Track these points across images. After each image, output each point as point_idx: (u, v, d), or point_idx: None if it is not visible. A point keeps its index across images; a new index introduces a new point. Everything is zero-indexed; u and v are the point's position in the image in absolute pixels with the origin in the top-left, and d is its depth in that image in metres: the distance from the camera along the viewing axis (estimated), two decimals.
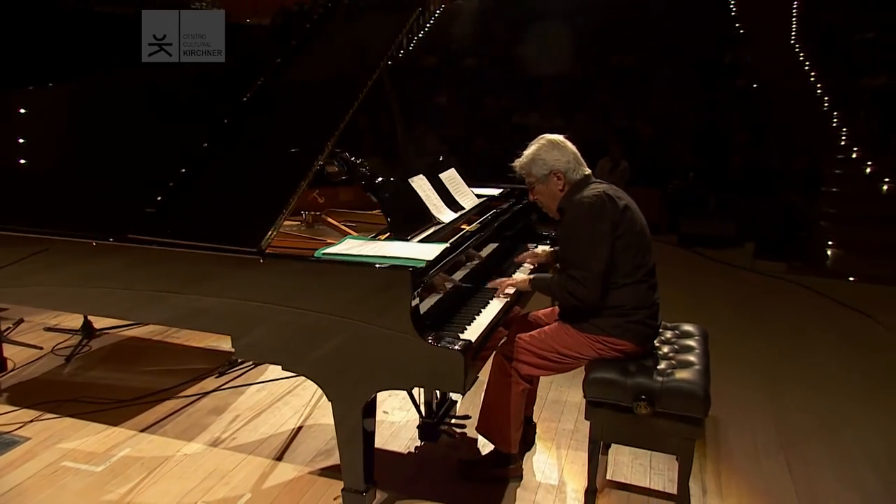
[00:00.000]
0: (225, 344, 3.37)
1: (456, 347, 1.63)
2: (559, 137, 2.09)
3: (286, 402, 2.75)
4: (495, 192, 2.76)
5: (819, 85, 11.80)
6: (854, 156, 9.19)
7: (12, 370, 3.01)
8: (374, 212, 2.58)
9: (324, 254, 1.76)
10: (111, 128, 2.28)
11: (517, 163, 2.12)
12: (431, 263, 1.70)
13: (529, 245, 2.54)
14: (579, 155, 2.08)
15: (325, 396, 2.65)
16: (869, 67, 10.71)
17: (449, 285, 1.92)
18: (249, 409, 2.69)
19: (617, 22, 14.86)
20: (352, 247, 1.82)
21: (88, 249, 1.94)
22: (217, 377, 2.96)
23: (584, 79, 11.78)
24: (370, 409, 1.83)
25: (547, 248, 2.51)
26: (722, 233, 5.71)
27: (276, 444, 2.41)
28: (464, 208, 2.42)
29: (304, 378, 2.86)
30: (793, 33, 14.52)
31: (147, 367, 3.09)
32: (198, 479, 2.20)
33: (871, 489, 2.17)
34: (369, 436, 1.85)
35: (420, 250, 1.78)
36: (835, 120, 10.45)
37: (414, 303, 1.62)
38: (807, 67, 12.58)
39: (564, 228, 1.98)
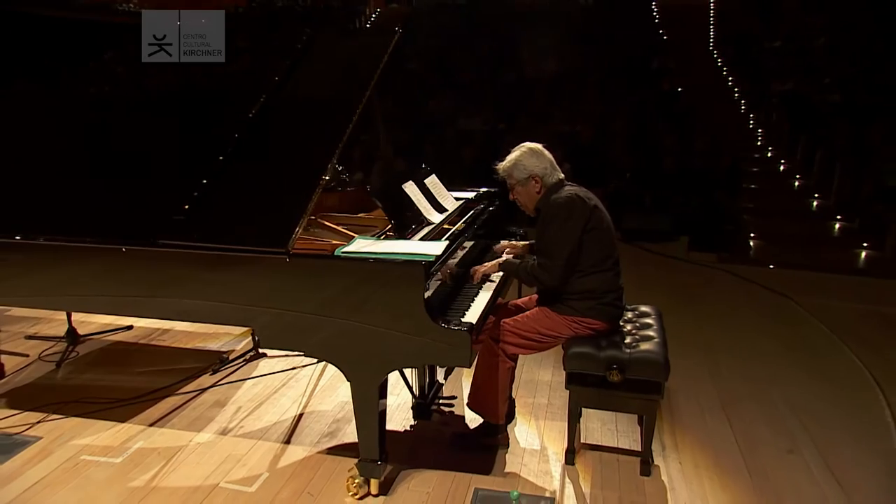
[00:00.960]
0: (212, 344, 3.55)
1: (463, 329, 1.93)
2: (538, 146, 2.40)
3: (283, 393, 2.96)
4: (470, 194, 3.06)
5: (736, 89, 12.67)
6: (769, 155, 10.01)
7: (2, 378, 3.09)
8: (359, 215, 2.85)
9: (343, 252, 2.02)
10: (134, 139, 2.44)
11: (500, 166, 2.42)
12: (438, 257, 1.99)
13: (503, 241, 2.85)
14: (554, 161, 2.39)
15: (319, 387, 2.92)
16: (778, 73, 11.62)
17: (449, 277, 2.21)
18: (250, 400, 2.89)
19: (550, 29, 15.40)
20: (365, 245, 2.08)
21: (118, 255, 2.12)
22: (212, 374, 3.13)
23: (520, 84, 12.20)
24: (384, 389, 2.10)
25: (518, 242, 2.83)
26: (659, 228, 6.22)
27: (282, 430, 2.63)
28: (447, 210, 2.72)
29: (297, 370, 3.13)
30: (710, 40, 15.51)
31: (140, 368, 3.22)
32: (215, 464, 2.39)
33: (796, 434, 2.60)
34: (382, 412, 2.11)
35: (426, 247, 2.07)
36: (751, 122, 11.31)
37: (427, 292, 1.91)
38: (725, 73, 13.48)
39: (541, 223, 2.30)
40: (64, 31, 14.90)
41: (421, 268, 1.89)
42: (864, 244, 6.70)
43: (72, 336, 3.44)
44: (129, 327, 3.69)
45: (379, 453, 2.12)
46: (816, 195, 8.19)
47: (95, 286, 2.23)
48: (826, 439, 2.57)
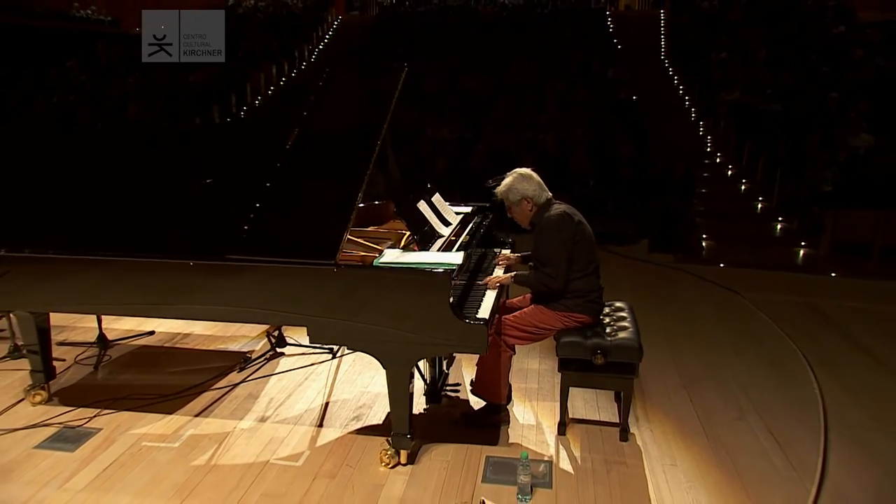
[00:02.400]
0: (232, 345, 3.92)
1: (480, 323, 2.39)
2: (527, 171, 2.87)
3: (307, 385, 3.36)
4: (467, 209, 3.53)
5: (686, 98, 13.41)
6: (718, 160, 10.74)
7: (53, 378, 3.38)
8: (369, 228, 3.28)
9: (380, 262, 2.45)
10: (194, 169, 2.81)
11: (497, 191, 2.89)
12: (459, 266, 2.45)
13: (503, 253, 3.31)
14: (542, 183, 2.86)
15: (338, 379, 3.33)
16: (724, 83, 12.37)
17: (462, 281, 2.66)
18: (279, 392, 3.28)
19: (511, 38, 15.91)
20: (397, 257, 2.52)
21: (187, 268, 2.51)
22: (239, 371, 3.51)
23: (484, 93, 12.58)
24: (412, 375, 2.54)
25: (512, 253, 3.29)
26: (622, 231, 6.80)
27: (313, 416, 3.04)
28: (451, 223, 3.17)
29: (315, 366, 3.53)
30: (662, 51, 16.30)
31: (171, 368, 3.57)
32: (262, 445, 2.79)
33: (743, 405, 3.15)
34: (411, 394, 2.56)
35: (447, 257, 2.53)
36: (701, 129, 12.04)
37: (451, 296, 2.36)
38: (676, 81, 14.23)
39: (538, 238, 2.77)
40: (21, 38, 14.73)
41: (446, 275, 2.34)
42: (803, 243, 7.42)
43: (102, 341, 3.76)
44: (152, 332, 4.03)
45: (408, 428, 2.56)
46: (760, 198, 8.93)
47: (170, 295, 2.60)
48: (767, 408, 3.12)
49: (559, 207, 2.80)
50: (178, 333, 4.06)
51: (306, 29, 18.07)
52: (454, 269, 2.40)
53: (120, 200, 2.78)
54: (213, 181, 2.70)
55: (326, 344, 2.82)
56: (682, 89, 13.65)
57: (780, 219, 8.22)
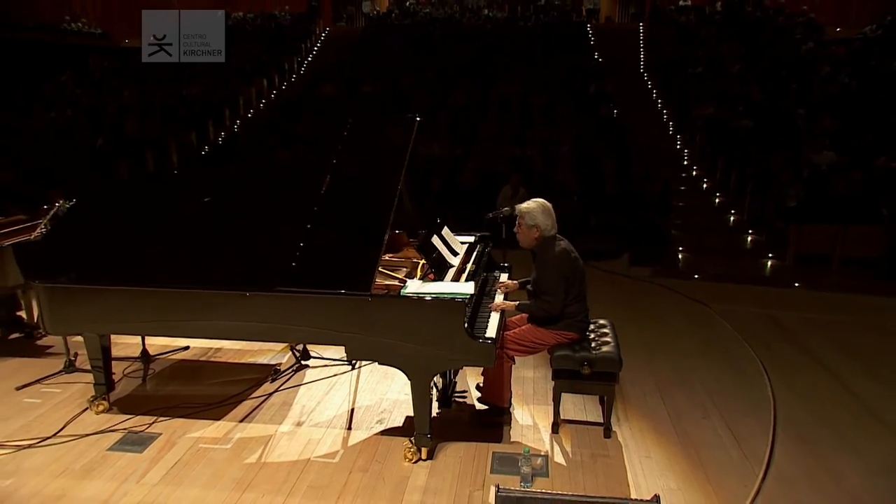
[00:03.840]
0: (261, 358, 4.39)
1: (489, 341, 2.91)
2: (549, 206, 3.31)
3: (333, 394, 3.86)
4: (471, 238, 4.05)
5: (665, 111, 13.98)
6: (694, 174, 11.32)
7: (113, 390, 3.82)
8: (386, 256, 3.78)
9: (406, 293, 2.97)
10: (240, 214, 3.30)
11: (520, 207, 3.32)
12: (472, 295, 2.97)
13: (504, 281, 3.80)
14: (555, 221, 3.33)
15: (359, 388, 3.82)
16: (699, 98, 12.94)
17: (470, 306, 3.18)
18: (310, 400, 3.77)
19: (496, 50, 16.35)
20: (419, 287, 3.04)
21: (242, 297, 3.01)
22: (271, 382, 4.00)
23: (471, 108, 13.00)
24: (430, 384, 3.05)
25: (511, 281, 3.77)
26: (604, 247, 7.35)
27: (342, 420, 3.54)
28: (458, 253, 3.70)
29: (337, 377, 4.01)
30: (641, 64, 16.91)
31: (210, 380, 4.05)
32: (301, 445, 3.28)
33: (708, 407, 3.70)
34: (430, 400, 3.07)
35: (461, 287, 3.04)
36: (678, 143, 12.61)
37: (466, 321, 2.88)
38: (654, 95, 14.80)
39: (541, 270, 3.27)
40: (13, 52, 14.97)
41: (461, 304, 2.86)
42: (770, 255, 8.04)
43: (145, 356, 4.22)
44: (187, 347, 4.50)
45: (428, 429, 3.07)
46: (733, 211, 9.52)
47: (227, 320, 3.09)
48: (728, 408, 3.68)
49: (560, 244, 3.29)
50: (211, 348, 4.53)
51: (295, 42, 18.47)
52: (467, 298, 2.91)
53: (183, 239, 3.26)
54: (262, 221, 3.19)
55: (361, 360, 3.28)
56: (660, 103, 14.24)
57: (750, 231, 8.82)
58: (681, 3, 20.16)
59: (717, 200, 10.13)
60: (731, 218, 9.45)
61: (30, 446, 3.24)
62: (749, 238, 8.74)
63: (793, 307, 5.64)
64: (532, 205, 3.30)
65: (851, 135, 10.20)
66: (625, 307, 5.48)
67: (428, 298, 2.91)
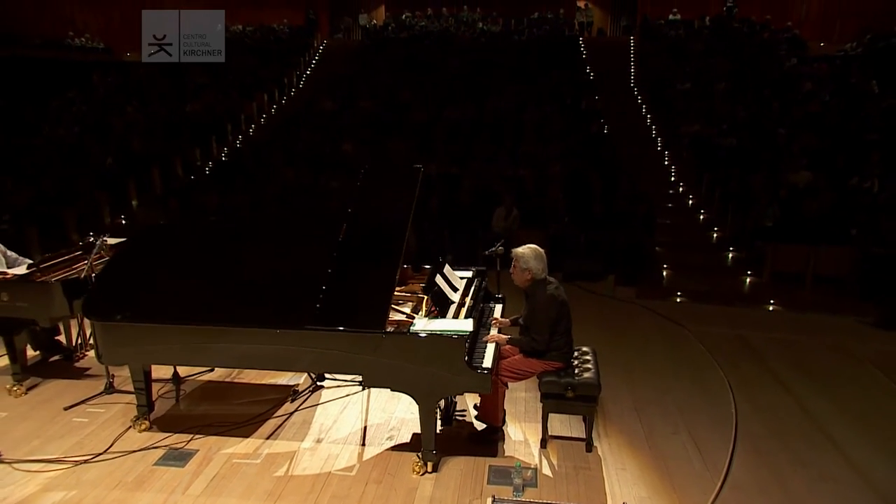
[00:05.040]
0: (280, 379, 4.87)
1: (486, 371, 3.40)
2: (541, 252, 3.75)
3: (347, 413, 4.34)
4: (468, 273, 4.54)
5: (653, 127, 14.42)
6: (681, 190, 11.77)
7: (153, 410, 4.28)
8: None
9: (414, 330, 3.45)
10: (267, 254, 3.79)
11: (516, 252, 3.76)
12: (471, 332, 3.46)
13: (496, 318, 4.27)
14: (546, 265, 3.79)
15: (371, 408, 4.29)
16: (686, 115, 13.40)
17: (469, 341, 3.67)
18: (327, 419, 4.25)
19: (489, 64, 16.73)
20: (426, 325, 3.53)
21: (273, 335, 3.49)
22: (291, 402, 4.47)
23: (466, 123, 13.38)
24: (436, 407, 3.54)
25: (504, 319, 4.22)
26: (591, 269, 7.85)
27: (357, 437, 4.02)
28: (458, 289, 4.19)
29: (349, 397, 4.49)
30: (631, 78, 17.36)
31: (237, 400, 4.52)
32: (322, 460, 3.76)
33: (678, 423, 4.20)
34: (435, 421, 3.56)
35: (461, 324, 3.54)
36: (666, 159, 13.04)
37: (466, 354, 3.37)
38: (644, 111, 15.24)
39: (532, 311, 3.75)
40: (20, 69, 15.37)
41: (463, 339, 3.36)
42: (749, 272, 8.55)
43: (176, 378, 4.68)
44: (212, 369, 4.96)
45: (433, 445, 3.56)
46: (716, 228, 10.01)
47: (258, 353, 3.58)
48: (695, 424, 4.19)
49: (549, 288, 3.75)
50: (233, 370, 5.00)
51: (294, 55, 18.89)
52: (467, 334, 3.41)
53: (220, 280, 3.75)
54: (290, 266, 3.68)
55: (376, 387, 3.69)
56: (649, 118, 14.72)
57: (731, 249, 9.32)
58: (670, 16, 20.64)
59: (701, 217, 10.56)
60: (714, 235, 9.90)
61: (85, 461, 3.71)
62: (730, 255, 9.21)
63: (762, 328, 6.16)
64: (526, 251, 3.78)
65: (829, 154, 10.71)
66: (608, 329, 5.99)
67: (433, 335, 3.40)
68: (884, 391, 4.81)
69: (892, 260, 7.36)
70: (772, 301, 7.51)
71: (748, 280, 8.42)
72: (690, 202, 11.28)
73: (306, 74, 18.78)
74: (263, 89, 16.31)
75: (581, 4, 22.76)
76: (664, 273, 8.61)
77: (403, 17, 22.42)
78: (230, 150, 13.99)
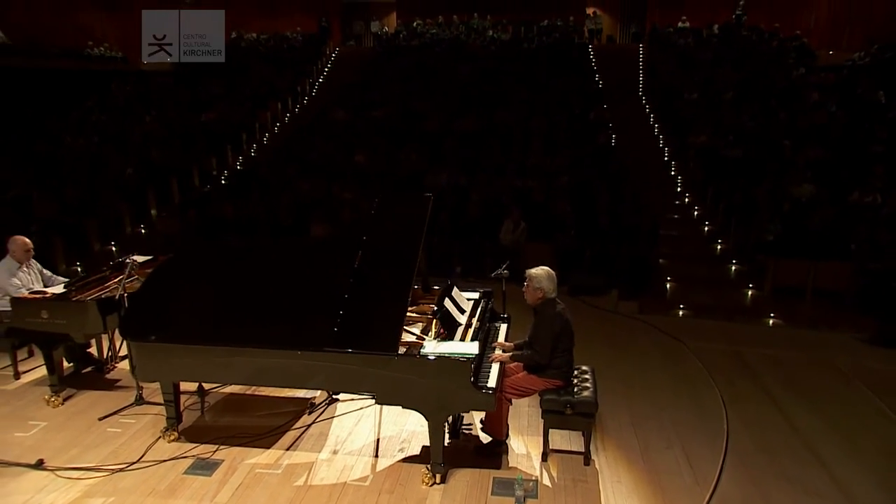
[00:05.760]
0: (298, 392, 5.16)
1: (490, 391, 3.68)
2: (553, 273, 4.02)
3: (361, 426, 4.63)
4: (475, 294, 4.82)
5: (661, 136, 14.58)
6: (687, 200, 11.94)
7: (181, 422, 4.58)
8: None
9: (424, 353, 3.74)
10: (289, 279, 4.09)
11: (530, 272, 4.03)
12: (477, 354, 3.74)
13: (500, 342, 4.54)
14: (556, 285, 4.08)
15: (383, 421, 4.57)
16: (693, 126, 13.52)
17: (475, 362, 3.95)
18: (342, 431, 4.54)
19: (500, 72, 16.92)
20: (435, 347, 3.81)
21: (295, 356, 3.79)
22: (308, 414, 4.77)
23: (476, 133, 13.60)
24: (444, 424, 3.82)
25: (507, 343, 4.49)
26: (595, 283, 8.10)
27: (370, 449, 4.31)
28: (465, 311, 4.47)
29: (362, 410, 4.77)
30: (640, 87, 17.51)
31: (258, 412, 4.82)
32: (338, 471, 4.06)
33: (672, 438, 4.46)
34: (443, 436, 3.84)
35: (467, 347, 3.82)
36: (673, 169, 13.20)
37: (472, 375, 3.65)
38: (651, 120, 15.39)
39: (537, 327, 4.02)
40: (41, 79, 15.81)
41: (468, 362, 3.64)
42: (751, 285, 8.75)
43: (201, 391, 4.99)
44: None
45: (442, 458, 3.85)
46: (720, 240, 10.19)
47: (280, 372, 3.88)
48: (688, 439, 4.44)
49: (557, 307, 4.02)
50: None
51: (307, 64, 19.22)
52: (473, 357, 3.69)
53: (245, 304, 4.05)
54: (310, 291, 3.98)
55: (388, 404, 3.97)
56: (656, 128, 14.89)
57: (734, 261, 9.51)
58: (679, 24, 20.75)
59: (706, 228, 10.72)
60: (718, 247, 10.08)
61: (121, 470, 4.03)
62: (733, 268, 9.40)
63: (758, 344, 6.39)
64: (540, 272, 4.04)
65: (833, 166, 10.86)
66: (609, 344, 6.25)
67: (441, 358, 3.68)
68: (871, 409, 5.03)
69: (889, 275, 7.56)
70: (772, 315, 7.73)
71: (749, 293, 8.62)
72: (696, 213, 11.43)
73: (319, 82, 19.11)
74: (277, 98, 16.65)
75: (590, 12, 22.95)
76: (667, 286, 8.83)
77: (415, 24, 22.69)
78: (245, 160, 14.34)
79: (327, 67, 20.15)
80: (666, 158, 13.66)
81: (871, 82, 14.22)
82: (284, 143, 14.56)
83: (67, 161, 12.56)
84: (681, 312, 7.88)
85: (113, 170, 12.24)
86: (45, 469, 4.03)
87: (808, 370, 5.72)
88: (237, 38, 21.47)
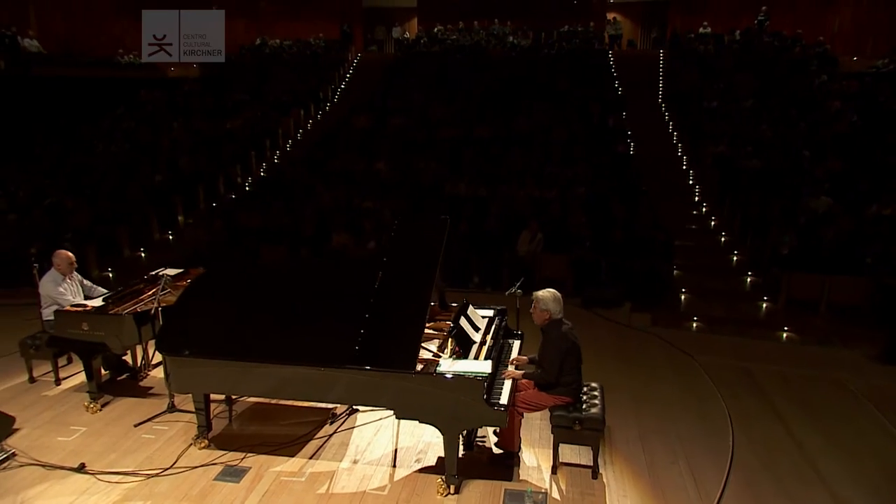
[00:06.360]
0: (321, 402, 5.41)
1: (502, 408, 3.89)
2: (559, 295, 4.23)
3: (380, 436, 4.86)
4: (490, 312, 5.03)
5: (679, 144, 14.58)
6: (704, 210, 11.97)
7: (211, 430, 4.86)
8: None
9: (439, 371, 3.96)
10: (312, 299, 4.34)
11: (537, 294, 4.26)
12: (490, 373, 3.96)
13: (515, 357, 4.74)
14: (562, 306, 4.29)
15: (401, 432, 4.79)
16: (712, 134, 13.53)
17: (487, 381, 4.16)
18: (362, 441, 4.78)
19: (520, 78, 17.03)
20: (450, 366, 4.03)
21: (318, 372, 4.04)
22: (330, 424, 5.02)
23: (496, 142, 13.75)
24: (458, 438, 4.05)
25: (522, 357, 4.70)
26: (609, 295, 8.25)
27: (388, 459, 4.54)
28: (480, 328, 4.69)
29: (381, 420, 5.00)
30: (660, 93, 17.50)
31: (282, 421, 5.08)
32: (358, 480, 4.30)
33: (678, 453, 4.62)
34: (458, 448, 4.06)
35: (481, 366, 4.03)
36: (690, 178, 13.23)
37: (484, 393, 3.86)
38: (670, 129, 15.39)
39: (545, 347, 4.23)
40: (76, 88, 16.31)
41: (482, 381, 3.85)
42: (765, 297, 8.82)
43: (229, 400, 5.27)
44: None
45: (456, 470, 4.07)
46: (736, 252, 10.26)
47: (304, 386, 4.14)
48: (694, 455, 4.61)
49: (563, 328, 4.22)
50: None
51: (329, 70, 19.55)
52: (486, 376, 3.91)
53: (272, 322, 4.31)
54: (332, 311, 4.22)
55: (406, 419, 4.16)
56: (675, 136, 14.92)
57: (749, 273, 9.58)
58: (700, 30, 20.66)
59: (722, 239, 10.75)
60: (734, 258, 10.12)
61: (156, 475, 4.31)
62: (748, 280, 9.46)
63: (767, 360, 6.50)
64: (546, 294, 4.25)
65: (851, 178, 10.84)
66: (620, 358, 6.41)
67: (456, 376, 3.90)
68: (877, 428, 5.14)
69: None
70: (785, 328, 7.81)
71: (764, 306, 8.69)
72: (713, 223, 11.47)
73: (341, 88, 19.39)
74: (300, 104, 16.98)
75: (611, 17, 22.98)
76: (682, 297, 8.94)
77: (435, 30, 22.88)
78: (268, 167, 14.68)
79: (349, 73, 20.42)
80: (684, 167, 13.66)
81: (894, 91, 14.12)
82: (306, 151, 14.85)
83: (99, 169, 13.00)
84: (694, 325, 7.99)
85: (141, 176, 12.64)
86: (86, 473, 4.33)
87: (816, 388, 5.83)
88: (261, 45, 21.88)
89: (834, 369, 6.22)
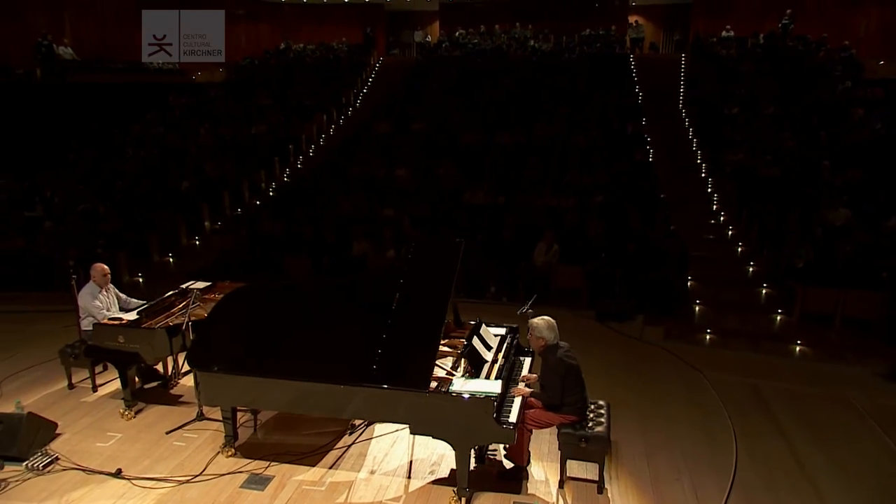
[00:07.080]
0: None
1: (511, 426, 4.11)
2: (553, 322, 4.44)
3: (396, 447, 5.11)
4: (502, 331, 5.25)
5: (699, 152, 14.55)
6: (722, 220, 11.98)
7: (237, 440, 5.15)
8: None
9: (452, 391, 4.19)
10: (332, 318, 4.61)
11: (532, 322, 4.48)
12: (500, 393, 4.18)
13: (525, 375, 4.95)
14: (557, 332, 4.50)
15: (416, 444, 5.03)
16: (731, 142, 13.50)
17: (498, 400, 4.37)
18: (379, 452, 5.03)
19: (540, 83, 17.08)
20: (462, 385, 4.26)
21: (337, 389, 4.30)
22: (349, 434, 5.28)
23: (515, 149, 13.84)
24: (470, 453, 4.27)
25: (532, 375, 4.91)
26: (622, 308, 8.39)
27: (403, 470, 4.79)
28: (492, 347, 4.91)
29: (398, 431, 5.24)
30: (681, 100, 17.44)
31: (304, 431, 5.35)
32: (375, 490, 4.55)
33: (682, 470, 4.79)
34: (469, 462, 4.29)
35: (491, 386, 4.25)
36: (709, 186, 13.22)
37: (494, 412, 4.08)
38: (690, 135, 15.35)
39: (546, 373, 4.44)
40: (107, 94, 16.74)
41: (492, 400, 4.07)
42: (780, 310, 8.89)
43: (253, 410, 5.56)
44: None
45: (467, 483, 4.30)
46: (752, 263, 10.30)
47: (324, 402, 4.40)
48: (698, 472, 4.77)
49: (560, 352, 4.43)
50: None
51: (351, 75, 19.83)
52: (495, 396, 4.13)
53: (295, 340, 4.58)
54: (352, 330, 4.47)
55: (420, 435, 4.39)
56: (695, 143, 14.91)
57: (765, 285, 9.63)
58: (723, 33, 20.51)
59: (739, 250, 10.77)
60: (750, 269, 10.16)
61: (187, 482, 4.61)
62: (763, 292, 9.51)
63: (775, 377, 6.61)
64: (540, 322, 4.46)
65: (870, 189, 10.80)
66: (630, 373, 6.58)
67: (467, 396, 4.13)
68: (880, 448, 5.24)
69: None
70: (798, 342, 7.89)
71: (778, 318, 8.76)
72: (730, 233, 11.49)
73: (363, 93, 19.65)
74: (322, 109, 17.27)
75: (633, 21, 22.95)
76: (696, 308, 9.04)
77: (457, 34, 23.04)
78: (291, 172, 15.01)
79: (371, 78, 20.66)
80: (703, 175, 13.64)
81: None
82: (328, 158, 15.12)
83: (130, 174, 13.43)
84: (707, 337, 8.11)
85: (169, 182, 13.05)
86: (123, 478, 4.64)
87: (822, 406, 5.94)
88: (286, 49, 22.24)
89: (842, 387, 6.31)
